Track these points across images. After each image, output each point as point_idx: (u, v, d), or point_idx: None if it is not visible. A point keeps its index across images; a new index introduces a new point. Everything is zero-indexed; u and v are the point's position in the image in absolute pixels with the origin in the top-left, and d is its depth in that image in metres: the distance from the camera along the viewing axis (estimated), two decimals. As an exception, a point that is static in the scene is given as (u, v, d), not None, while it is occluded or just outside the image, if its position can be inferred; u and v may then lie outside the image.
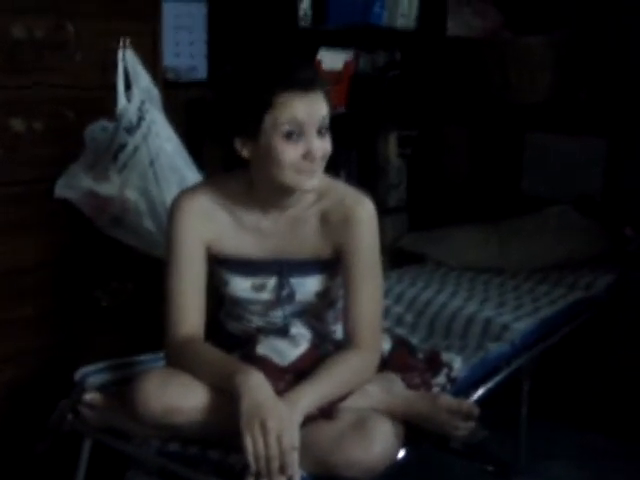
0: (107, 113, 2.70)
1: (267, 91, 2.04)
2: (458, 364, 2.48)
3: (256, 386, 1.97)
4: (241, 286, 2.24)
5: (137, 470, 2.35)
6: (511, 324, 2.90)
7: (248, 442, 1.89)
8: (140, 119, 2.65)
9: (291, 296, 2.23)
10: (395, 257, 3.65)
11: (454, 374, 2.43)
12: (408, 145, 4.06)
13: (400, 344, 2.43)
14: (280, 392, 2.00)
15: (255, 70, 2.13)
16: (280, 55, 2.25)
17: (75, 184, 2.68)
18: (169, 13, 3.14)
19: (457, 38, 4.01)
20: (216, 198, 2.21)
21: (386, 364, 2.28)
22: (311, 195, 2.19)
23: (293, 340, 2.21)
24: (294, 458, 1.91)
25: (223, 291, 2.29)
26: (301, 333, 2.24)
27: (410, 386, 2.25)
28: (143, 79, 2.73)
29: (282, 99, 2.03)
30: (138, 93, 2.69)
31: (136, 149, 2.65)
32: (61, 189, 2.69)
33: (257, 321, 2.29)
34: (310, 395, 2.02)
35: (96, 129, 2.73)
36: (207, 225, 2.20)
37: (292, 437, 1.92)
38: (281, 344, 2.19)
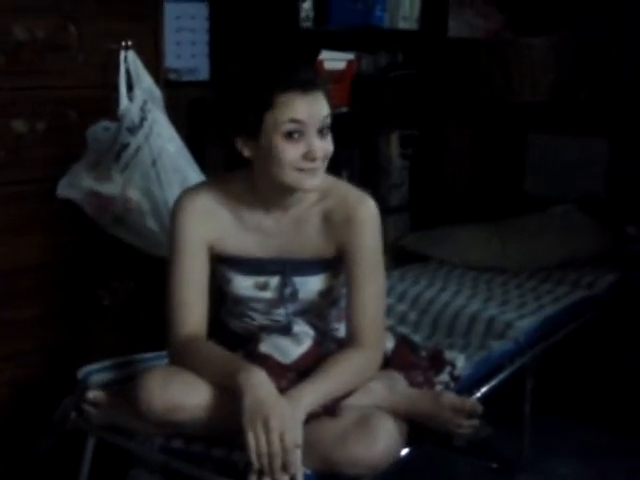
0: (109, 113, 2.71)
1: (267, 91, 2.05)
2: (461, 362, 2.49)
3: (259, 384, 1.97)
4: (244, 284, 2.24)
5: (140, 468, 2.35)
6: (514, 322, 2.90)
7: (251, 440, 1.90)
8: (142, 119, 2.66)
9: (294, 295, 2.23)
10: (397, 256, 3.65)
11: (457, 372, 2.43)
12: (410, 145, 4.06)
13: (403, 342, 2.42)
14: (282, 390, 2.00)
15: (256, 70, 2.14)
16: (281, 56, 2.26)
17: (77, 184, 2.68)
18: (170, 14, 3.14)
19: (459, 39, 4.01)
20: (219, 197, 2.21)
21: (389, 362, 2.28)
22: (314, 194, 2.19)
23: (296, 338, 2.21)
24: (297, 456, 1.91)
25: (226, 290, 2.29)
26: (304, 331, 2.24)
27: (413, 384, 2.25)
28: (145, 79, 2.73)
29: (282, 99, 2.04)
30: (140, 93, 2.69)
31: (138, 149, 2.65)
32: (63, 189, 2.70)
33: (260, 319, 2.29)
34: (313, 393, 2.02)
35: (98, 129, 2.73)
36: (210, 224, 2.21)
37: (295, 435, 1.92)
38: (284, 342, 2.19)
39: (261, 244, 2.22)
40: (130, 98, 2.67)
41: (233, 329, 2.35)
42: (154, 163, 2.67)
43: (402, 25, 3.85)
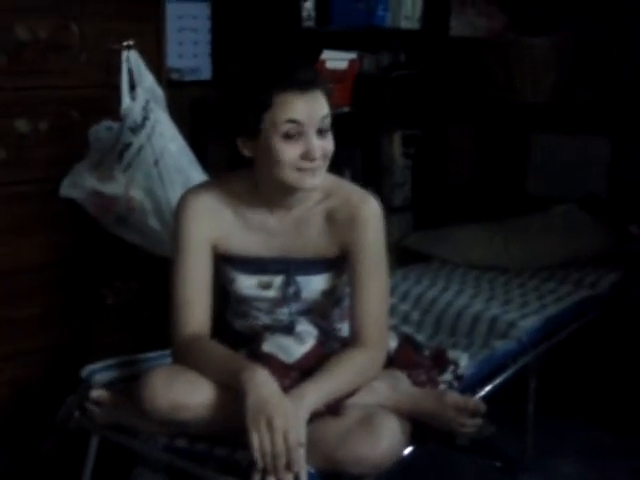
0: (111, 113, 2.71)
1: (265, 91, 2.05)
2: (464, 361, 2.49)
3: (262, 383, 1.97)
4: (247, 284, 2.24)
5: (144, 467, 2.36)
6: (517, 322, 2.90)
7: (254, 439, 1.90)
8: (145, 119, 2.66)
9: (297, 294, 2.23)
10: (400, 256, 3.65)
11: (460, 371, 2.43)
12: (413, 145, 4.06)
13: (406, 342, 2.42)
14: (286, 389, 2.00)
15: (254, 70, 2.15)
16: (280, 56, 2.26)
17: (80, 184, 2.68)
18: (172, 14, 3.14)
19: (461, 38, 4.01)
20: (222, 197, 2.21)
21: (392, 361, 2.28)
22: (317, 194, 2.20)
23: (299, 337, 2.21)
24: (300, 455, 1.91)
25: (229, 289, 2.30)
26: (307, 330, 2.24)
27: (416, 383, 2.25)
28: (147, 79, 2.73)
29: (280, 99, 2.04)
30: (142, 93, 2.69)
31: (141, 148, 2.66)
32: (66, 189, 2.70)
33: (263, 319, 2.29)
34: (316, 392, 2.02)
35: (101, 129, 2.73)
36: (213, 224, 2.21)
37: (298, 434, 1.92)
38: (287, 341, 2.19)
39: (264, 243, 2.22)
40: (132, 98, 2.67)
41: (236, 328, 2.35)
42: (156, 163, 2.68)
43: (404, 25, 3.85)
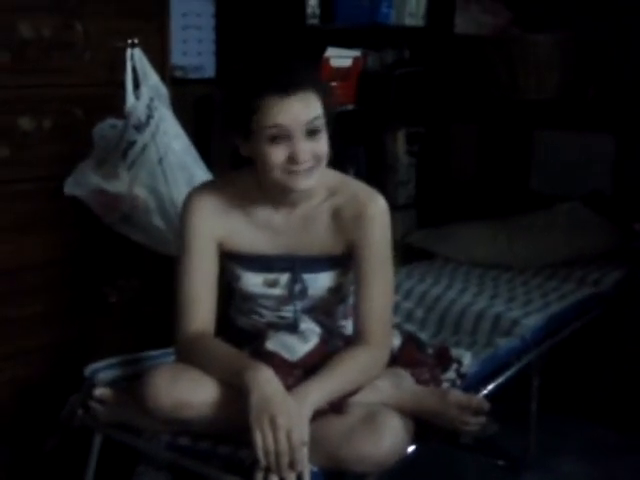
0: (115, 111, 2.71)
1: (251, 96, 2.06)
2: (468, 360, 2.49)
3: (265, 381, 1.97)
4: (253, 281, 2.25)
5: (147, 465, 2.36)
6: (521, 320, 2.90)
7: (257, 437, 1.90)
8: (149, 117, 2.66)
9: (303, 292, 2.24)
10: (404, 253, 3.65)
11: (464, 370, 2.44)
12: (416, 142, 4.06)
13: (409, 340, 2.43)
14: (289, 387, 2.00)
15: (243, 74, 2.17)
16: (273, 57, 2.25)
17: (84, 182, 2.68)
18: (177, 11, 3.14)
19: (465, 35, 4.00)
20: (227, 195, 2.22)
21: (395, 360, 2.28)
22: (323, 192, 2.20)
23: (302, 336, 2.21)
24: (304, 453, 1.92)
25: (234, 286, 2.30)
26: (310, 329, 2.24)
27: (419, 382, 2.25)
28: (151, 77, 2.74)
29: (264, 104, 2.04)
30: (146, 91, 2.69)
31: (145, 147, 2.66)
32: (70, 187, 2.70)
33: (268, 316, 2.29)
34: (319, 390, 2.02)
35: (105, 127, 2.73)
36: (219, 222, 2.21)
37: (301, 433, 1.92)
38: (290, 340, 2.19)
39: (270, 241, 2.23)
40: (136, 96, 2.68)
41: (241, 326, 2.35)
42: (160, 161, 2.68)
43: (408, 22, 3.85)
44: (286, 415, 1.91)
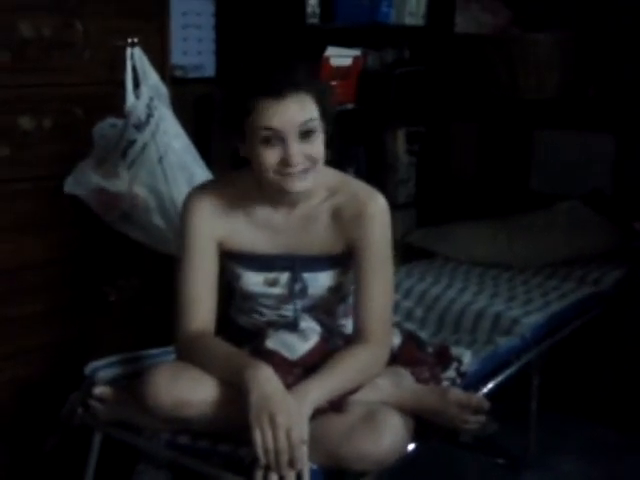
0: (115, 110, 2.71)
1: (244, 98, 2.07)
2: (468, 358, 2.49)
3: (265, 380, 1.97)
4: (253, 281, 2.25)
5: (147, 463, 2.36)
6: (521, 318, 2.90)
7: (257, 436, 1.90)
8: (149, 116, 2.66)
9: (304, 291, 2.24)
10: (404, 253, 3.65)
11: (464, 368, 2.44)
12: (416, 141, 4.06)
13: (409, 338, 2.43)
14: (289, 386, 2.01)
15: (239, 76, 2.17)
16: (266, 60, 2.25)
17: (84, 181, 2.68)
18: (177, 11, 3.13)
19: (465, 35, 4.00)
20: (227, 195, 2.22)
21: (395, 358, 2.28)
22: (323, 191, 2.20)
23: (302, 334, 2.21)
24: (303, 452, 1.92)
25: (235, 286, 2.30)
26: (310, 327, 2.24)
27: (419, 380, 2.25)
28: (151, 76, 2.74)
29: (257, 105, 2.04)
30: (146, 90, 2.69)
31: (145, 146, 2.66)
32: (70, 186, 2.70)
33: (269, 315, 2.30)
34: (319, 389, 2.02)
35: (105, 126, 2.73)
36: (219, 222, 2.22)
37: (301, 431, 1.92)
38: (291, 338, 2.19)
39: (271, 240, 2.23)
40: (136, 95, 2.68)
41: (241, 325, 2.35)
42: (160, 160, 2.68)
43: (408, 21, 3.85)
44: (286, 413, 1.92)
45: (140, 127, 2.66)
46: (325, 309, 2.30)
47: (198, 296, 2.21)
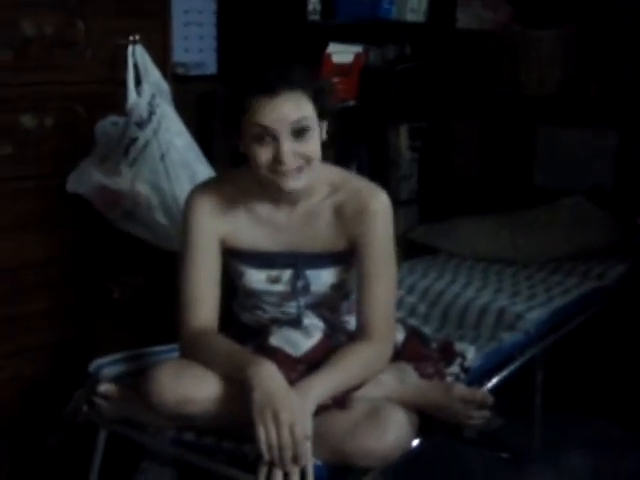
0: (117, 108, 2.71)
1: (239, 96, 2.07)
2: (471, 354, 2.48)
3: (268, 377, 1.97)
4: (256, 278, 2.25)
5: (151, 460, 2.36)
6: (525, 314, 2.90)
7: (261, 432, 1.90)
8: (151, 113, 2.66)
9: (306, 288, 2.24)
10: (407, 249, 3.65)
11: (467, 363, 2.43)
12: (419, 137, 4.06)
13: (413, 334, 2.43)
14: (292, 382, 2.00)
15: (236, 74, 2.18)
16: (263, 57, 2.25)
17: (86, 179, 2.69)
18: (178, 8, 3.14)
19: (467, 31, 4.00)
20: (229, 192, 2.22)
21: (399, 354, 2.29)
22: (325, 188, 2.20)
23: (306, 331, 2.21)
24: (307, 448, 1.92)
25: (238, 283, 2.30)
26: (314, 324, 2.24)
27: (423, 376, 2.25)
28: (153, 74, 2.74)
29: (251, 103, 2.04)
30: (148, 88, 2.70)
31: (147, 143, 2.66)
32: (73, 184, 2.70)
33: (272, 312, 2.30)
34: (322, 385, 2.02)
35: (107, 124, 2.74)
36: (221, 219, 2.22)
37: (305, 427, 1.92)
38: (294, 335, 2.19)
39: (273, 238, 2.23)
40: (138, 93, 2.68)
41: (244, 322, 2.35)
42: (162, 157, 2.68)
43: (410, 17, 3.85)
44: (289, 410, 1.92)
45: (142, 125, 2.66)
46: (328, 306, 2.30)
47: (201, 294, 2.21)
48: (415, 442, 2.11)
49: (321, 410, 2.00)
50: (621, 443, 3.29)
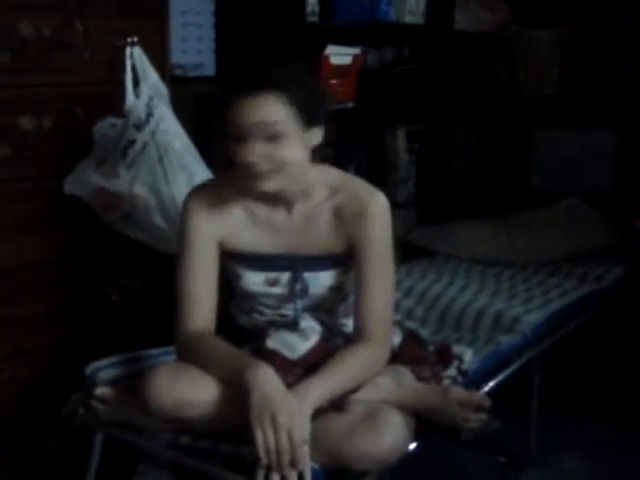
0: (115, 110, 2.71)
1: (222, 94, 2.07)
2: (469, 356, 2.49)
3: (266, 380, 1.97)
4: (254, 280, 2.24)
5: (148, 464, 2.36)
6: (522, 316, 2.90)
7: (259, 436, 1.90)
8: (149, 115, 2.66)
9: (304, 290, 2.23)
10: (404, 251, 3.65)
11: (465, 366, 2.44)
12: (417, 140, 4.06)
13: (410, 337, 2.42)
14: (290, 385, 2.00)
15: (225, 73, 2.17)
16: (252, 57, 2.24)
17: (84, 180, 2.68)
18: (176, 10, 3.14)
19: (465, 32, 4.00)
20: (228, 194, 2.21)
21: (396, 357, 2.28)
22: (324, 190, 2.20)
23: (303, 334, 2.21)
24: (305, 451, 1.92)
25: (235, 285, 2.30)
26: (311, 327, 2.24)
27: (420, 379, 2.25)
28: (151, 76, 2.74)
29: (229, 102, 2.04)
30: (146, 89, 2.70)
31: (145, 145, 2.66)
32: (70, 186, 2.70)
33: (269, 314, 2.29)
34: (319, 388, 2.02)
35: (105, 126, 2.74)
36: (219, 221, 2.21)
37: (302, 431, 1.92)
38: (291, 338, 2.19)
39: (271, 240, 2.22)
40: (136, 94, 2.68)
41: (241, 324, 2.35)
42: (160, 159, 2.68)
43: (408, 19, 3.85)
44: (287, 413, 1.91)
45: (140, 126, 2.66)
46: (326, 309, 2.29)
47: (198, 296, 2.20)
48: (412, 445, 2.11)
49: (318, 413, 2.00)
50: (618, 446, 3.29)
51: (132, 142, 2.66)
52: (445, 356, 2.43)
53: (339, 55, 3.61)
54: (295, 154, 2.07)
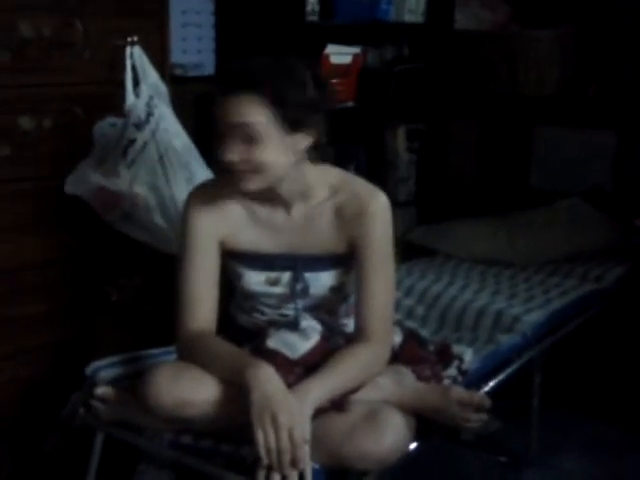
0: (115, 110, 2.71)
1: (215, 90, 2.07)
2: (469, 356, 2.49)
3: (266, 380, 1.97)
4: (255, 280, 2.24)
5: (149, 464, 2.36)
6: (522, 316, 2.90)
7: (259, 435, 1.90)
8: (149, 115, 2.66)
9: (305, 290, 2.23)
10: (404, 250, 3.65)
11: (465, 366, 2.44)
12: (417, 139, 4.06)
13: (411, 337, 2.43)
14: (290, 385, 2.00)
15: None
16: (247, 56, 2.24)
17: (85, 180, 2.68)
18: (176, 9, 3.13)
19: (465, 31, 4.00)
20: (228, 194, 2.21)
21: (397, 357, 2.28)
22: (325, 190, 2.19)
23: (303, 333, 2.21)
24: (305, 451, 1.92)
25: (236, 285, 2.30)
26: (311, 326, 2.24)
27: (421, 378, 2.25)
28: (151, 75, 2.73)
29: (217, 100, 2.04)
30: (146, 89, 2.69)
31: (145, 145, 2.66)
32: (71, 185, 2.70)
33: (270, 314, 2.29)
34: (320, 388, 2.02)
35: (105, 125, 2.73)
36: (220, 221, 2.21)
37: (303, 430, 1.92)
38: (291, 337, 2.19)
39: (272, 240, 2.22)
40: (136, 94, 2.68)
41: (241, 324, 2.35)
42: (161, 159, 2.68)
43: (408, 18, 3.85)
44: (287, 413, 1.91)
45: (140, 126, 2.66)
46: (327, 309, 2.29)
47: (199, 295, 2.20)
48: (412, 445, 2.11)
49: (319, 413, 2.00)
50: (619, 446, 3.29)
51: (132, 141, 2.66)
52: (445, 356, 2.43)
53: (339, 54, 3.61)
54: (275, 158, 2.05)
